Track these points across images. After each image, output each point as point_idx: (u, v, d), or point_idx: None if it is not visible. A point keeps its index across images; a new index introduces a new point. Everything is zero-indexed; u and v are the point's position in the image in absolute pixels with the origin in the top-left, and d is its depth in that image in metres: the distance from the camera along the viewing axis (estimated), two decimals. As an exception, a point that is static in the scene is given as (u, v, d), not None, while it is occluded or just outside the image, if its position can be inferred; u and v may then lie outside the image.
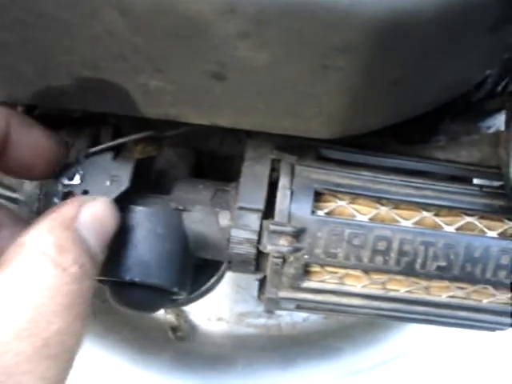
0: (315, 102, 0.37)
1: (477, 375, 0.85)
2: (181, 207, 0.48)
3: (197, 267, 0.52)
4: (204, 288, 0.55)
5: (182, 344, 0.85)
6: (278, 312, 0.90)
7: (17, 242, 0.35)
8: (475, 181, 0.53)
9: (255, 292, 0.54)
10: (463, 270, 0.45)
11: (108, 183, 0.46)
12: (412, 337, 0.87)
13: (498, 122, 0.54)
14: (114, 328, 0.87)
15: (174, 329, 0.84)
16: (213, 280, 0.55)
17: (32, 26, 0.34)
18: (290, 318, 0.89)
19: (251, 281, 0.57)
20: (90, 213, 0.39)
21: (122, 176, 0.46)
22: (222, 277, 0.57)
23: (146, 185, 0.51)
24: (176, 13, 0.31)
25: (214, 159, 0.58)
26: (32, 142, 0.42)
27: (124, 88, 0.39)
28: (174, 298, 0.51)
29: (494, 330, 0.52)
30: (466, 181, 0.52)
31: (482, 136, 0.53)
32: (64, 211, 0.38)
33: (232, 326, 0.88)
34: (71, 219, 0.37)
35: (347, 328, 0.87)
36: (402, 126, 0.45)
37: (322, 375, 0.86)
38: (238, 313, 0.89)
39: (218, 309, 0.90)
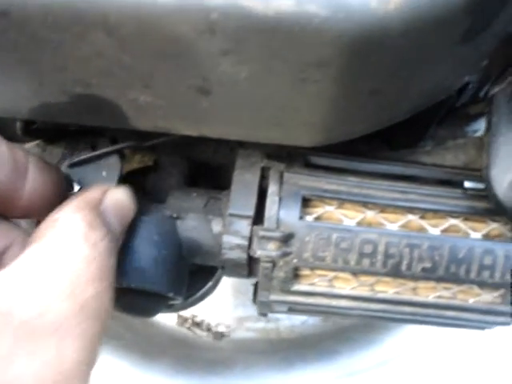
0: (296, 113, 0.39)
1: (473, 376, 0.86)
2: (175, 215, 0.50)
3: (193, 273, 0.54)
4: (200, 293, 0.57)
5: (182, 348, 0.86)
6: (277, 316, 0.92)
7: (49, 218, 0.38)
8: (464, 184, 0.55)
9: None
10: (448, 270, 0.46)
11: (104, 173, 0.50)
12: (408, 338, 0.88)
13: (484, 125, 0.55)
14: (116, 333, 0.89)
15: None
16: (208, 285, 0.57)
17: (25, 47, 0.36)
18: (288, 322, 0.90)
19: (250, 286, 0.58)
20: (112, 198, 0.42)
21: (113, 162, 0.50)
22: (217, 282, 0.59)
23: (141, 194, 0.53)
24: (160, 33, 0.32)
25: (207, 168, 0.59)
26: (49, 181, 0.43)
27: (115, 103, 0.41)
28: (171, 302, 0.53)
29: (482, 328, 0.53)
30: (453, 184, 0.54)
31: (467, 140, 0.54)
32: (90, 195, 0.41)
33: (231, 330, 0.89)
34: (97, 201, 0.41)
35: (344, 330, 0.88)
36: (389, 132, 0.47)
37: (319, 377, 0.87)
38: (238, 317, 0.91)
39: (218, 313, 0.91)
